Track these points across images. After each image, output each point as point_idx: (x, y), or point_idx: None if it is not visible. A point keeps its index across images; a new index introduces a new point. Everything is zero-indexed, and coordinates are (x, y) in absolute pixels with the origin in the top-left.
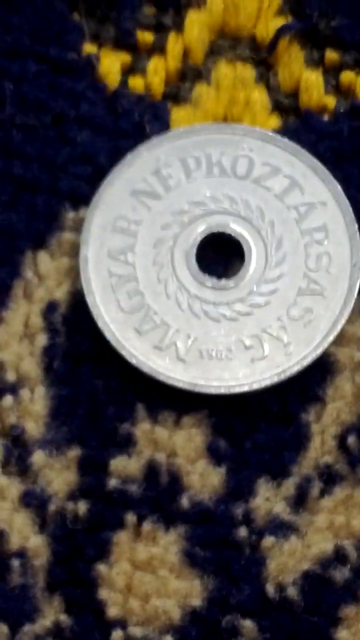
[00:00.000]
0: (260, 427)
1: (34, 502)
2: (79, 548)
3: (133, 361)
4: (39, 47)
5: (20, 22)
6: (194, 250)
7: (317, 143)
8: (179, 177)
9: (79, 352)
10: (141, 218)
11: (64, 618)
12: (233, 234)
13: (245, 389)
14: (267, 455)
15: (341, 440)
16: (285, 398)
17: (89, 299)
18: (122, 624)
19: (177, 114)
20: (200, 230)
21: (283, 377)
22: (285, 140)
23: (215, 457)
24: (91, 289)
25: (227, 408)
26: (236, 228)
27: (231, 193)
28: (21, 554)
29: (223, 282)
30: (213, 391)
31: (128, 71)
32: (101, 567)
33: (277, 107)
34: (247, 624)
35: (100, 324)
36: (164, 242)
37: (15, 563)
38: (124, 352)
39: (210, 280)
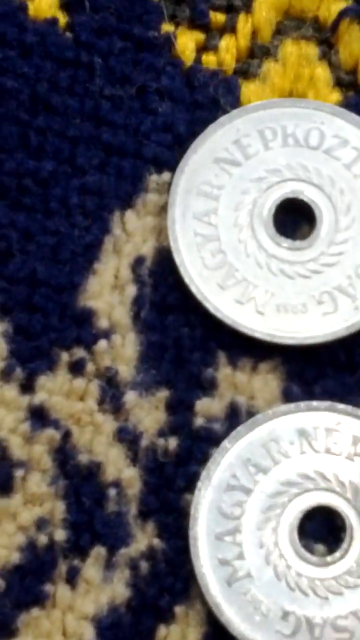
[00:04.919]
0: (328, 374)
1: (127, 437)
2: (168, 479)
3: (217, 314)
4: (123, 26)
5: (107, 3)
6: (271, 214)
7: None
8: (257, 146)
9: (165, 302)
10: (223, 183)
11: (156, 543)
12: (307, 200)
13: (317, 340)
14: (334, 400)
15: None
16: (352, 348)
17: (176, 257)
18: None
19: (247, 88)
20: (276, 195)
21: (352, 330)
22: (353, 115)
23: (289, 401)
24: (178, 247)
25: (299, 356)
26: (309, 194)
27: (304, 162)
28: (116, 484)
29: (298, 243)
30: (288, 342)
31: (202, 48)
32: (189, 497)
33: (338, 83)
34: None
35: (186, 280)
36: (243, 205)
37: (112, 492)
38: (208, 306)
39: (286, 242)
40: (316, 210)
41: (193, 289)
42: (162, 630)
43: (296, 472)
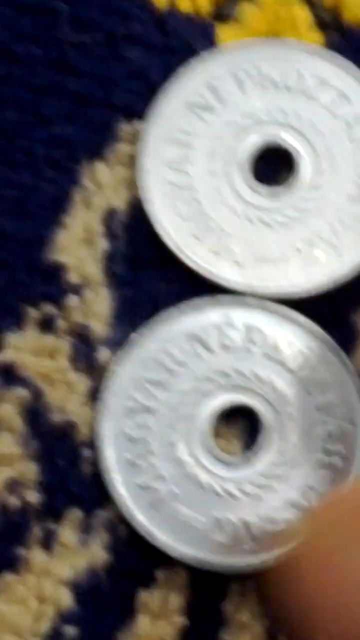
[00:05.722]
0: None
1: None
2: None
3: (192, 266)
4: None
5: None
6: (248, 160)
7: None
8: (231, 90)
9: (139, 257)
10: (196, 130)
11: None
12: (285, 144)
13: (302, 295)
14: None
15: None
16: (336, 301)
17: (148, 207)
18: None
19: (224, 32)
20: (253, 140)
21: (337, 282)
22: (333, 53)
23: None
24: (150, 197)
25: None
26: (288, 138)
27: (282, 104)
28: (91, 444)
29: (276, 188)
30: (268, 293)
31: None
32: None
33: (320, 23)
34: None
35: (159, 231)
36: (218, 152)
37: (87, 453)
38: (183, 257)
39: (263, 188)
40: (295, 154)
41: (167, 241)
42: (142, 594)
43: (194, 377)
